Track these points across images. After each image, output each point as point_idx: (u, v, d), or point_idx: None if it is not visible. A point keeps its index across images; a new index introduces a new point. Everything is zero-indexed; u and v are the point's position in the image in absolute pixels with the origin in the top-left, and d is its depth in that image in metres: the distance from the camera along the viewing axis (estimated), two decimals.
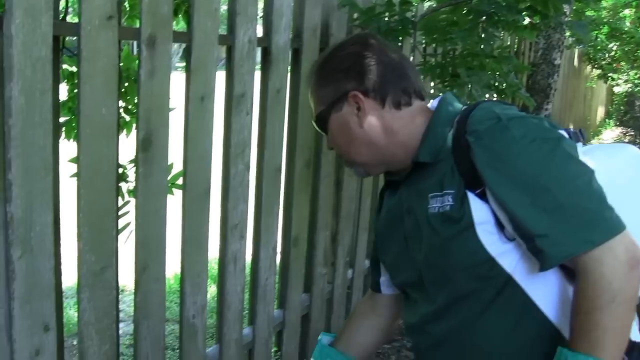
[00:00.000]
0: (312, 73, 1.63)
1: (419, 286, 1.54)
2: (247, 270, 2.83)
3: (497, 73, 3.53)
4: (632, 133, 17.66)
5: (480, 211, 1.37)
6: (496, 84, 3.66)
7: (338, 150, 1.61)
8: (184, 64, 2.31)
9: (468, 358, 1.47)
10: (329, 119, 1.57)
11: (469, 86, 3.45)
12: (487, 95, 3.48)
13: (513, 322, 1.40)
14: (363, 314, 1.85)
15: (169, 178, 2.34)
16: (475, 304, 1.42)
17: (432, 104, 1.60)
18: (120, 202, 2.45)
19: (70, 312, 4.32)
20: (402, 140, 1.52)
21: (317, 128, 1.63)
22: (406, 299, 1.65)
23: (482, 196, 1.37)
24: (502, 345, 1.41)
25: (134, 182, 2.22)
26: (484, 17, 3.05)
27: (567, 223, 1.27)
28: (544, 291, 1.38)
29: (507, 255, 1.37)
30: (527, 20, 3.50)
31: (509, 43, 6.30)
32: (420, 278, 1.51)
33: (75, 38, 1.95)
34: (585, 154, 1.43)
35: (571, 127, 10.99)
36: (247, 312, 2.95)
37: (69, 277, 2.22)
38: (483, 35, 3.16)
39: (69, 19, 2.51)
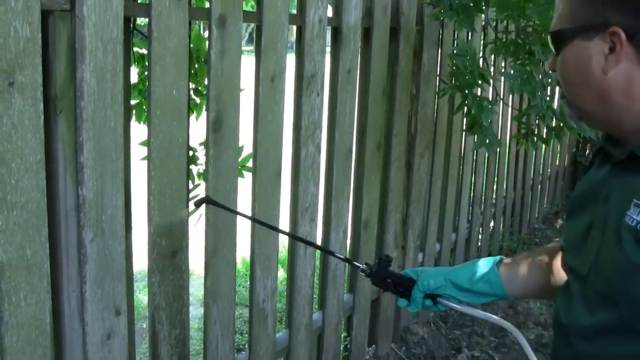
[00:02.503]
0: None
1: (582, 284, 1.30)
2: (317, 253, 2.79)
3: None
4: None
5: None
6: None
7: (560, 78, 1.29)
8: (250, 47, 2.27)
9: None
10: (568, 43, 1.23)
11: (544, 64, 3.35)
12: None
13: None
14: (540, 262, 1.62)
15: (239, 160, 2.31)
16: (635, 351, 1.17)
17: None
18: (191, 185, 2.43)
19: (140, 296, 4.36)
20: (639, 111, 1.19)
21: (550, 42, 1.30)
22: (566, 286, 1.39)
23: None
24: None
25: (204, 165, 2.20)
26: None
27: None
28: None
29: None
30: None
31: None
32: (587, 278, 1.27)
33: (146, 19, 1.93)
34: None
35: None
36: (316, 296, 2.92)
37: (139, 260, 2.22)
38: None
39: None
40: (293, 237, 1.93)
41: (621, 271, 1.14)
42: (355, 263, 1.68)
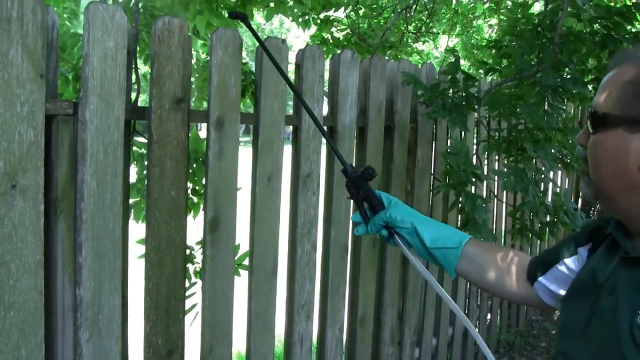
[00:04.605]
0: (631, 63, 1.21)
1: None
2: (313, 348, 2.78)
3: (563, 145, 3.47)
4: None
5: None
6: (561, 156, 3.60)
7: (589, 157, 1.27)
8: (247, 138, 2.31)
9: None
10: (610, 129, 1.20)
11: (536, 162, 3.41)
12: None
13: None
14: (503, 262, 1.62)
15: (235, 259, 2.33)
16: None
17: None
18: (187, 283, 2.45)
19: None
20: None
21: (587, 120, 1.26)
22: None
23: None
24: None
25: (201, 263, 2.22)
26: (550, 91, 3.01)
27: None
28: None
29: None
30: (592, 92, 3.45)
31: (572, 113, 6.22)
32: None
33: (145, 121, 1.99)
34: None
35: None
36: None
37: (135, 355, 2.21)
38: (548, 109, 3.12)
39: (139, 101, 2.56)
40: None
41: None
42: (343, 159, 1.68)
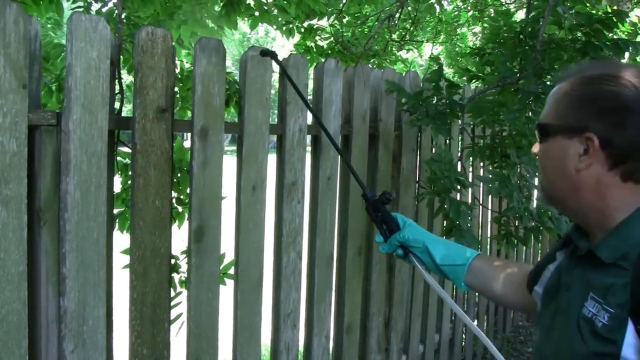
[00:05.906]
0: (570, 78, 1.35)
1: None
2: (300, 357, 2.78)
3: None
4: None
5: (631, 348, 1.16)
6: None
7: (539, 164, 1.41)
8: (232, 147, 2.32)
9: None
10: (551, 137, 1.35)
11: (520, 168, 3.43)
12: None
13: None
14: (510, 274, 1.73)
15: (221, 268, 2.33)
16: None
17: None
18: (172, 293, 2.44)
19: None
20: (603, 211, 1.30)
21: (536, 131, 1.40)
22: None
23: None
24: None
25: (186, 273, 2.22)
26: (532, 98, 3.04)
27: None
28: None
29: None
30: None
31: None
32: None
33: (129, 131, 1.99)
34: None
35: None
36: None
37: None
38: (531, 116, 3.14)
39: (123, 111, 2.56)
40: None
41: (579, 358, 1.24)
42: (363, 185, 1.81)
